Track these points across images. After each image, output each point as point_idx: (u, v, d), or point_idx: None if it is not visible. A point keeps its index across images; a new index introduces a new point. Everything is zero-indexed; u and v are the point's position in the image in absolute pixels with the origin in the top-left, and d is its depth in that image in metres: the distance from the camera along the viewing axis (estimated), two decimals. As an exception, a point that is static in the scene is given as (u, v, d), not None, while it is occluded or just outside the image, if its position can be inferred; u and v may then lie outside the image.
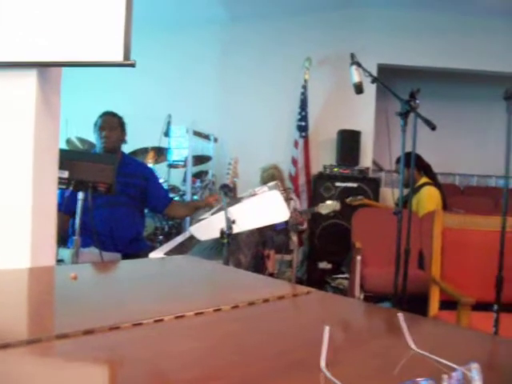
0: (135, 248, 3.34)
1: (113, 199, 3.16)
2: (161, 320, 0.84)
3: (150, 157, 5.30)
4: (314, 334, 0.76)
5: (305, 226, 3.57)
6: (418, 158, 4.49)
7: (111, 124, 3.44)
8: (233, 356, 0.72)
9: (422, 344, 0.74)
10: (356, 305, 1.36)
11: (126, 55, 1.79)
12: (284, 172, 5.73)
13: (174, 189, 5.49)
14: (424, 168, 4.78)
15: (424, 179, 4.72)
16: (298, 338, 0.81)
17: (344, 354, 0.75)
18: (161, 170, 5.53)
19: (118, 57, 1.79)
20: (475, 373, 0.61)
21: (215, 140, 6.28)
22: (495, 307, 2.45)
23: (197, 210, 3.68)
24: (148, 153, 5.33)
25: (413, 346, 0.74)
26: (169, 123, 5.48)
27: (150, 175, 3.66)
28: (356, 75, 3.19)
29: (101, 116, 3.46)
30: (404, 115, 2.95)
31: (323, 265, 5.91)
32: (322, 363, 0.65)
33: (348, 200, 5.17)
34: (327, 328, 0.68)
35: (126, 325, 0.80)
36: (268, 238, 4.14)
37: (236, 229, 2.34)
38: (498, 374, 0.72)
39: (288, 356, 0.72)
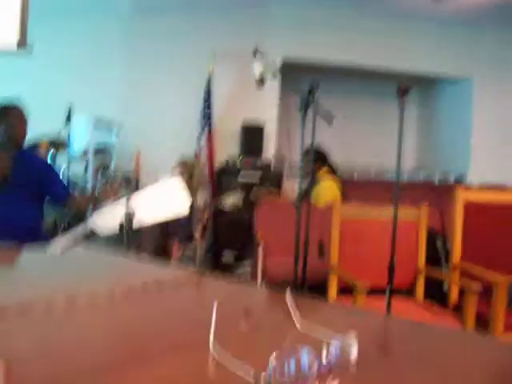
0: (33, 240, 3.23)
1: (9, 191, 3.06)
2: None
3: (45, 147, 5.10)
4: (201, 314, 0.78)
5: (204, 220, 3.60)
6: (318, 150, 4.61)
7: (21, 117, 3.31)
8: (117, 338, 0.73)
9: (308, 320, 0.78)
10: (247, 288, 1.39)
11: (22, 41, 1.74)
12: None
13: (75, 182, 5.34)
14: (322, 158, 4.90)
15: (323, 170, 4.84)
16: (185, 319, 0.83)
17: (233, 331, 0.78)
18: (61, 162, 5.36)
19: (13, 42, 1.74)
20: (352, 340, 0.66)
21: (118, 132, 6.15)
22: (388, 291, 2.60)
23: (96, 202, 3.60)
24: (46, 144, 5.13)
25: (298, 322, 0.78)
26: (69, 112, 5.29)
27: (47, 169, 3.54)
28: (258, 69, 3.24)
29: (7, 108, 3.30)
30: (304, 109, 3.03)
31: (227, 256, 5.96)
32: (211, 338, 0.68)
33: (251, 194, 5.25)
34: (215, 304, 0.71)
35: None
36: (170, 230, 4.13)
37: (136, 224, 2.32)
38: (374, 342, 0.78)
39: (175, 335, 0.74)
